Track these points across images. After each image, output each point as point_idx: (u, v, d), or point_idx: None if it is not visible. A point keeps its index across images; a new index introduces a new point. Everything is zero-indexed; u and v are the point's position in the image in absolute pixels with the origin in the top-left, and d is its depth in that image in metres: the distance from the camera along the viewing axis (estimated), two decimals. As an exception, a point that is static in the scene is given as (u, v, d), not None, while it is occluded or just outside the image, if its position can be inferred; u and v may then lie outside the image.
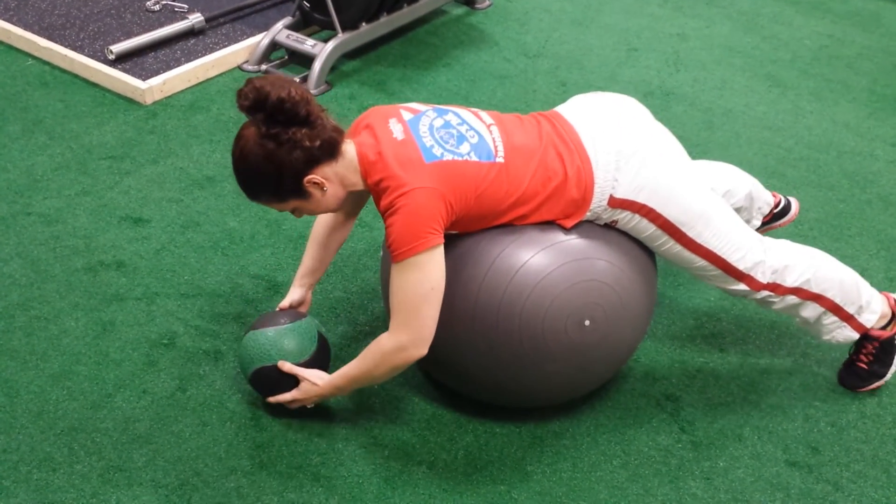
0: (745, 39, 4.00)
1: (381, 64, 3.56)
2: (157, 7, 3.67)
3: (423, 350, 1.76)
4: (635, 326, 1.95)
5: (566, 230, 1.85)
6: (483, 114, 1.87)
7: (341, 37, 3.37)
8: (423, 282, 1.71)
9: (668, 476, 1.95)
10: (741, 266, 1.94)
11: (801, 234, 2.71)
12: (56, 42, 3.34)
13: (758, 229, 2.48)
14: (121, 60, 3.27)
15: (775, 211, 2.50)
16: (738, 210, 2.34)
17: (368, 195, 1.94)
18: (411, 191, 1.68)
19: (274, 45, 3.43)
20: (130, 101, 3.15)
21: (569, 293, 1.81)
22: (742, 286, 1.98)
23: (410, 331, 1.74)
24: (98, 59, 3.25)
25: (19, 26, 3.43)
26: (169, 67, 3.26)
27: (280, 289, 2.37)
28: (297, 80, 3.24)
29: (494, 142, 1.79)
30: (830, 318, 2.07)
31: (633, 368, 2.22)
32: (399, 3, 3.59)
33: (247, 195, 1.81)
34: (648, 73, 3.64)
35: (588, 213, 1.85)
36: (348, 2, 3.36)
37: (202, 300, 2.32)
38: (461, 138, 1.77)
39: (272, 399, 1.96)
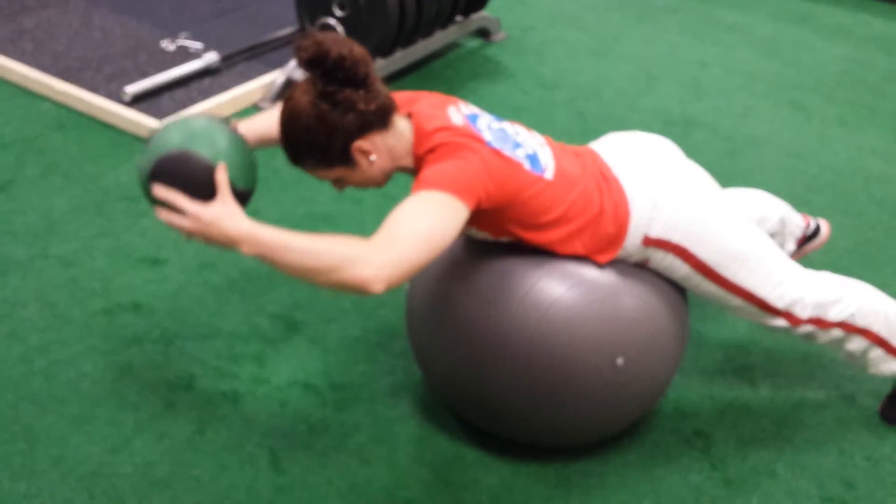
0: (767, 65, 3.99)
1: (397, 98, 3.56)
2: (171, 47, 3.70)
3: (379, 285, 1.50)
4: (668, 364, 1.91)
5: (599, 266, 1.82)
6: (536, 133, 1.86)
7: (357, 72, 3.38)
8: (436, 220, 1.56)
9: (701, 516, 1.90)
10: (779, 304, 1.90)
11: (830, 262, 2.67)
12: (72, 84, 3.37)
13: (793, 254, 2.45)
14: (137, 101, 3.29)
15: (807, 233, 2.47)
16: (771, 235, 2.31)
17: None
18: (469, 150, 1.62)
19: (290, 83, 3.44)
20: (146, 141, 3.16)
21: (601, 330, 1.78)
22: (782, 322, 1.94)
23: (390, 254, 1.51)
24: (114, 101, 3.28)
25: (36, 69, 3.47)
26: (185, 107, 3.28)
27: (299, 328, 2.34)
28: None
29: (546, 160, 1.77)
30: (876, 352, 2.02)
31: (662, 405, 2.17)
32: (413, 37, 3.60)
33: (290, 158, 1.71)
34: (669, 102, 3.63)
35: (621, 252, 1.83)
36: (363, 38, 3.37)
37: (220, 341, 2.30)
38: (517, 145, 1.75)
39: (165, 215, 1.60)
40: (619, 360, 1.80)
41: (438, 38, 3.78)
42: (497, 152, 1.68)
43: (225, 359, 2.24)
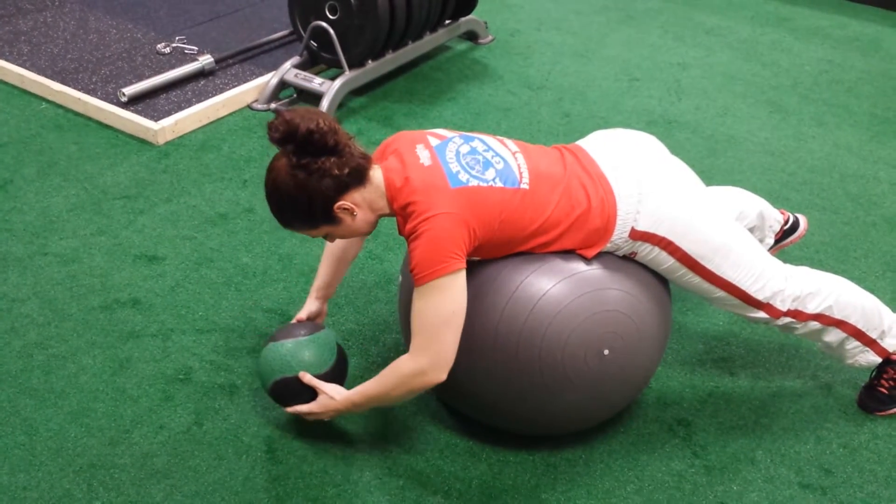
0: (746, 67, 4.05)
1: (387, 100, 3.61)
2: (167, 49, 3.74)
3: (441, 375, 1.77)
4: (652, 355, 1.97)
5: (587, 260, 1.88)
6: (509, 142, 1.91)
7: (348, 74, 3.43)
8: (444, 306, 1.73)
9: (682, 501, 1.95)
10: (760, 296, 1.96)
11: (806, 257, 2.73)
12: (69, 86, 3.41)
13: (771, 248, 2.52)
14: (133, 102, 3.33)
15: (785, 228, 2.55)
16: (750, 230, 2.37)
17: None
18: (435, 216, 1.71)
19: (283, 84, 3.49)
20: (143, 141, 3.21)
21: (588, 323, 1.83)
22: (762, 314, 2.00)
23: (430, 354, 1.76)
24: (111, 102, 3.32)
25: (33, 71, 3.50)
26: (180, 108, 3.32)
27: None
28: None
29: (520, 168, 1.82)
30: (853, 344, 2.09)
31: (645, 394, 2.22)
32: (404, 40, 3.65)
33: (280, 223, 1.85)
34: (650, 103, 3.69)
35: (608, 245, 1.88)
36: (354, 41, 3.42)
37: (217, 335, 2.34)
38: (487, 164, 1.80)
39: (290, 410, 1.98)
40: (606, 352, 1.85)
41: (428, 41, 3.82)
42: (460, 190, 1.74)
43: (222, 352, 2.29)
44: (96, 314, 2.39)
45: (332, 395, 1.92)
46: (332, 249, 2.15)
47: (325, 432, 2.07)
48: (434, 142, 1.84)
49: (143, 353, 2.27)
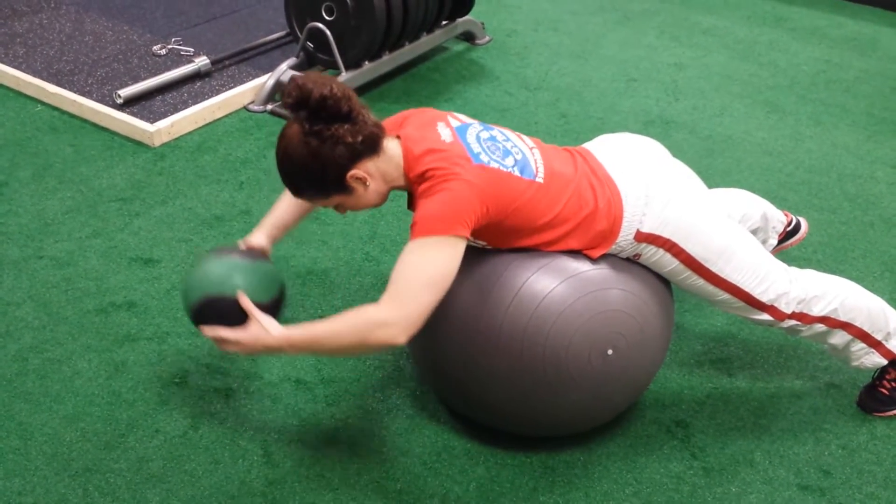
0: (743, 67, 4.05)
1: (384, 101, 3.60)
2: (163, 51, 3.74)
3: (403, 337, 1.65)
4: (654, 355, 1.97)
5: (591, 260, 1.88)
6: (525, 137, 1.91)
7: (345, 75, 3.43)
8: (435, 265, 1.67)
9: (681, 503, 1.95)
10: (764, 298, 1.96)
11: (805, 257, 2.73)
12: (65, 87, 3.40)
13: (774, 248, 2.52)
14: (129, 104, 3.32)
15: (788, 229, 2.55)
16: (754, 231, 2.38)
17: None
18: (455, 179, 1.68)
19: (279, 86, 3.48)
20: (139, 143, 3.20)
21: (592, 322, 1.83)
22: (766, 316, 2.00)
23: (402, 309, 1.65)
24: (106, 104, 3.31)
25: (28, 73, 3.49)
26: (176, 110, 3.31)
27: (288, 323, 2.37)
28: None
29: (536, 163, 1.82)
30: (858, 345, 2.09)
31: (643, 395, 2.22)
32: (400, 41, 3.64)
33: (291, 192, 1.82)
34: (648, 103, 3.69)
35: (614, 246, 1.88)
36: (351, 42, 3.42)
37: (213, 338, 2.33)
38: (506, 152, 1.80)
39: (211, 333, 1.81)
40: (610, 352, 1.85)
41: (425, 42, 3.82)
42: (482, 167, 1.73)
43: (217, 356, 2.27)
44: (91, 317, 2.38)
45: (267, 328, 1.76)
46: None
47: (321, 436, 2.06)
48: (455, 122, 1.83)
49: (139, 356, 2.27)
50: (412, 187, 1.77)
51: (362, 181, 1.76)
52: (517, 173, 1.77)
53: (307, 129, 1.69)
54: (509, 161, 1.78)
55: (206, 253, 1.86)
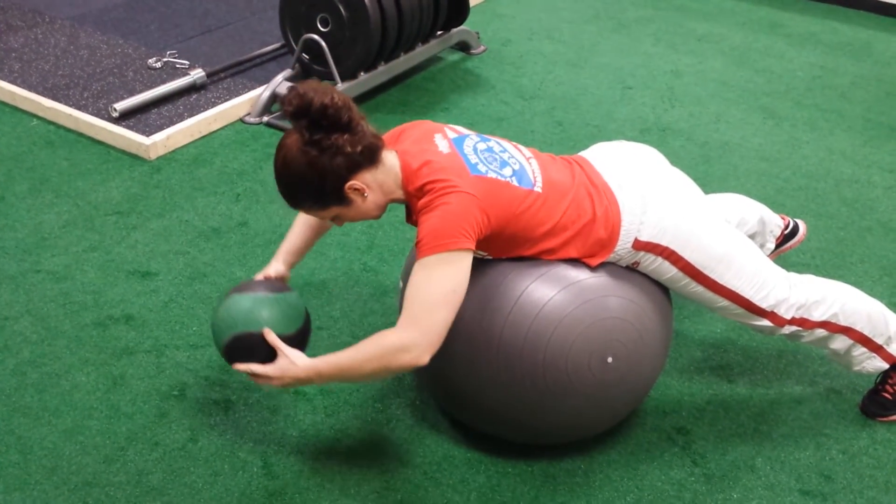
0: (739, 73, 4.06)
1: (380, 111, 3.61)
2: (158, 64, 3.74)
3: (425, 357, 1.68)
4: (654, 363, 1.97)
5: (591, 269, 1.88)
6: (522, 147, 1.92)
7: (341, 86, 3.43)
8: (446, 281, 1.67)
9: (683, 510, 1.95)
10: (764, 304, 1.96)
11: (803, 262, 2.73)
12: (61, 102, 3.41)
13: (772, 252, 2.52)
14: (125, 118, 3.32)
15: (786, 233, 2.55)
16: (751, 236, 2.38)
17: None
18: (454, 192, 1.68)
19: (275, 98, 3.49)
20: (135, 157, 3.20)
21: (592, 330, 1.83)
22: (766, 322, 2.00)
23: (420, 330, 1.67)
24: (102, 118, 3.31)
25: (24, 88, 3.50)
26: (172, 123, 3.31)
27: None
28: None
29: (533, 173, 1.83)
30: (860, 350, 2.09)
31: (643, 403, 2.21)
32: (396, 51, 3.65)
33: (289, 203, 1.81)
34: (644, 110, 3.69)
35: (612, 255, 1.88)
36: (346, 52, 3.43)
37: (211, 351, 2.32)
38: (504, 163, 1.80)
39: (242, 367, 1.83)
40: (609, 359, 1.85)
41: (420, 52, 3.83)
42: (480, 178, 1.73)
43: (216, 368, 2.27)
44: (89, 331, 2.38)
45: (294, 361, 1.78)
46: (307, 216, 2.08)
47: (321, 447, 2.06)
48: (452, 134, 1.84)
49: (137, 369, 2.26)
50: (411, 201, 1.77)
51: (360, 192, 1.76)
52: (515, 183, 1.77)
53: (307, 139, 1.69)
54: (507, 171, 1.78)
55: (228, 291, 1.91)
